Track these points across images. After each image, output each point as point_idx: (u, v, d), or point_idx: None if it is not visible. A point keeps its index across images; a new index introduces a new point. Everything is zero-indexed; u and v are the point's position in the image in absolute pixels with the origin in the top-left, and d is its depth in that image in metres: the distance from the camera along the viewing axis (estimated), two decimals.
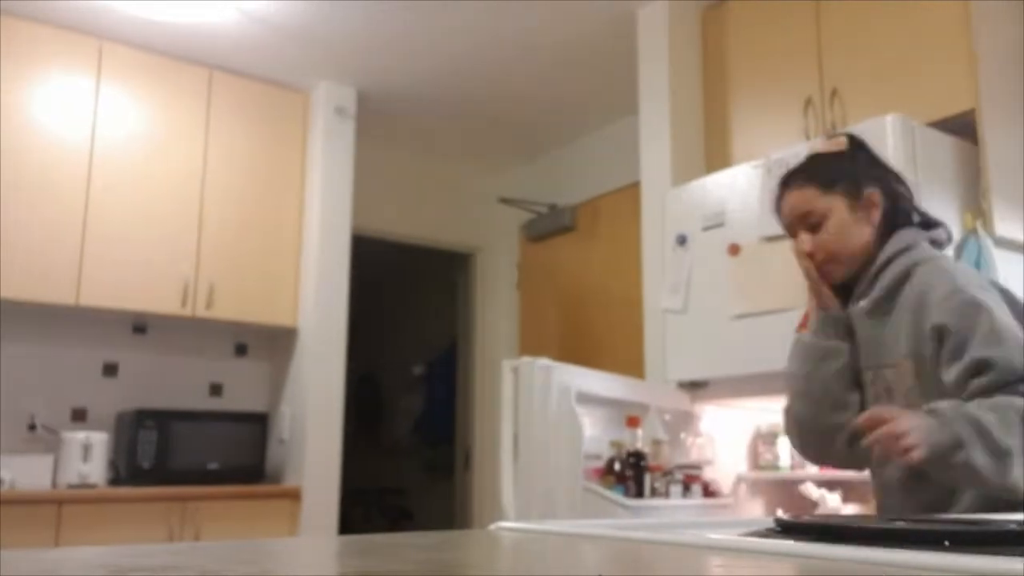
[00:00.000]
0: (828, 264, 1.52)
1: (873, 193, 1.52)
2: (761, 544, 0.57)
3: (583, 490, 2.26)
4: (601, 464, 2.40)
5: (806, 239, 1.53)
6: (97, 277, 3.43)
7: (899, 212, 1.54)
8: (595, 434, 2.43)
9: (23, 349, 3.58)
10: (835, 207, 1.51)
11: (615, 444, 2.41)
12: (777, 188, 1.60)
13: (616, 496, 2.28)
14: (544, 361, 2.31)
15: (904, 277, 1.46)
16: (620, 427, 2.48)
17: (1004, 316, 1.36)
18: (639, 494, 2.32)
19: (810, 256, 1.53)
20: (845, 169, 1.55)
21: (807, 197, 1.53)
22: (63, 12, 3.41)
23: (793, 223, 1.56)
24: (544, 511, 2.16)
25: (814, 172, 1.56)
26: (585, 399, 2.38)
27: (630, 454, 2.36)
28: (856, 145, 1.59)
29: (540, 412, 2.23)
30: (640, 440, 2.40)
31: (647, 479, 2.34)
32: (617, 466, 2.36)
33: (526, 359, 2.33)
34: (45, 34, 3.46)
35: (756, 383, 2.52)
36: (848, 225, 1.51)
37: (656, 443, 2.47)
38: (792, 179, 1.58)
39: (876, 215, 1.52)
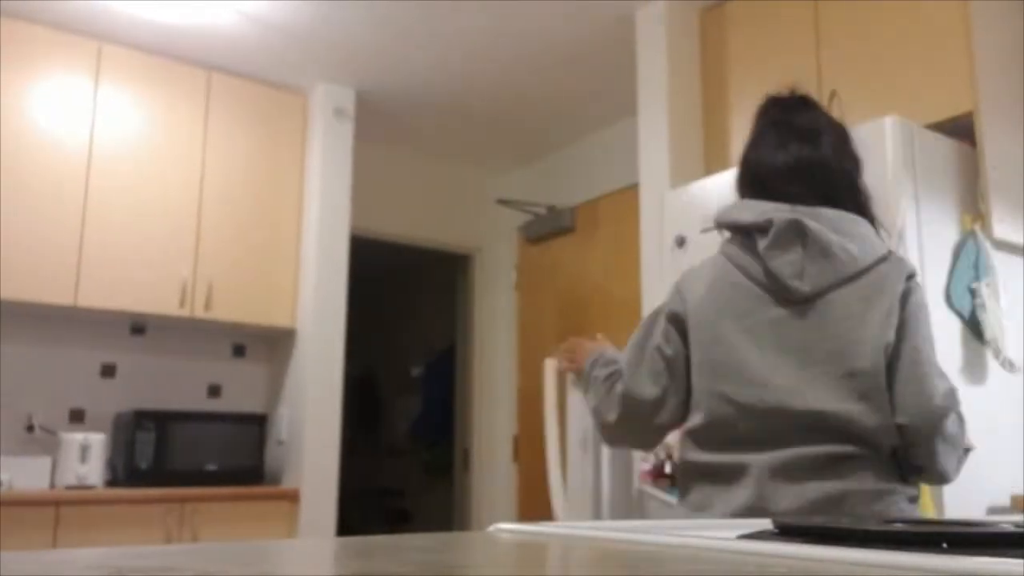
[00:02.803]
0: None
1: None
2: (759, 546, 0.57)
3: (637, 492, 2.22)
4: (649, 466, 2.36)
5: None
6: (95, 278, 3.43)
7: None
8: None
9: (21, 350, 3.58)
10: None
11: (664, 446, 2.36)
12: None
13: (672, 499, 2.23)
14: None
15: None
16: None
17: None
18: None
19: None
20: None
21: None
22: (62, 13, 3.41)
23: None
24: (594, 513, 2.13)
25: None
26: None
27: (670, 456, 2.32)
28: None
29: (583, 412, 2.19)
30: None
31: None
32: (668, 468, 2.32)
33: None
34: (44, 35, 3.46)
35: None
36: None
37: (666, 445, 2.43)
38: None
39: None
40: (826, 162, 1.47)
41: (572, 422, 2.20)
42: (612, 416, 1.51)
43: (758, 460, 1.34)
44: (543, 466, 2.21)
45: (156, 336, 3.92)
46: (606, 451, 2.16)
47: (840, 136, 1.53)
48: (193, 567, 0.47)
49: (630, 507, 2.18)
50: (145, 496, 3.31)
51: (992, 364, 2.26)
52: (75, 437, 3.35)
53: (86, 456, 3.34)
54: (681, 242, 2.78)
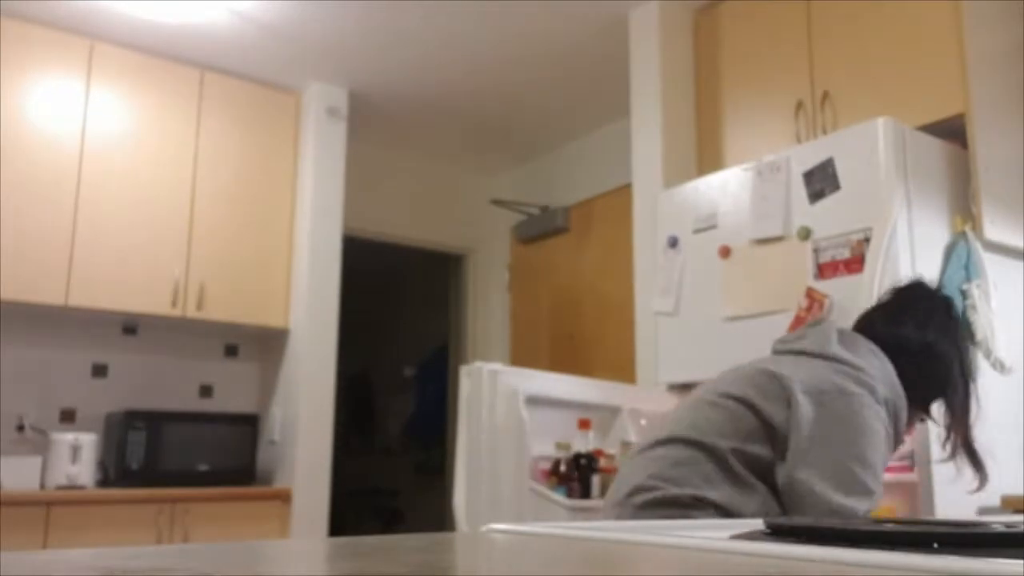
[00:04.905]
0: None
1: None
2: (750, 546, 0.57)
3: (529, 491, 2.25)
4: (548, 465, 2.39)
5: None
6: (87, 277, 3.42)
7: None
8: (559, 437, 2.42)
9: (12, 350, 3.56)
10: None
11: (562, 446, 2.40)
12: None
13: (557, 496, 2.28)
14: (493, 365, 2.33)
15: None
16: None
17: None
18: (585, 495, 2.31)
19: None
20: None
21: None
22: (54, 12, 3.39)
23: None
24: (491, 513, 2.16)
25: None
26: (549, 403, 2.38)
27: (578, 456, 2.35)
28: None
29: (487, 415, 2.25)
30: (591, 442, 2.39)
31: (595, 480, 2.32)
32: (563, 467, 2.35)
33: (477, 364, 2.36)
34: (36, 34, 3.44)
35: None
36: None
37: (625, 445, 2.45)
38: None
39: None
40: None
41: (473, 426, 2.24)
42: None
43: None
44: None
45: (148, 336, 3.90)
46: (507, 452, 2.20)
47: None
48: (186, 567, 0.47)
49: (524, 505, 2.21)
50: (136, 496, 3.30)
51: (983, 365, 2.27)
52: (66, 437, 3.33)
53: (77, 456, 3.32)
54: (674, 242, 2.79)
